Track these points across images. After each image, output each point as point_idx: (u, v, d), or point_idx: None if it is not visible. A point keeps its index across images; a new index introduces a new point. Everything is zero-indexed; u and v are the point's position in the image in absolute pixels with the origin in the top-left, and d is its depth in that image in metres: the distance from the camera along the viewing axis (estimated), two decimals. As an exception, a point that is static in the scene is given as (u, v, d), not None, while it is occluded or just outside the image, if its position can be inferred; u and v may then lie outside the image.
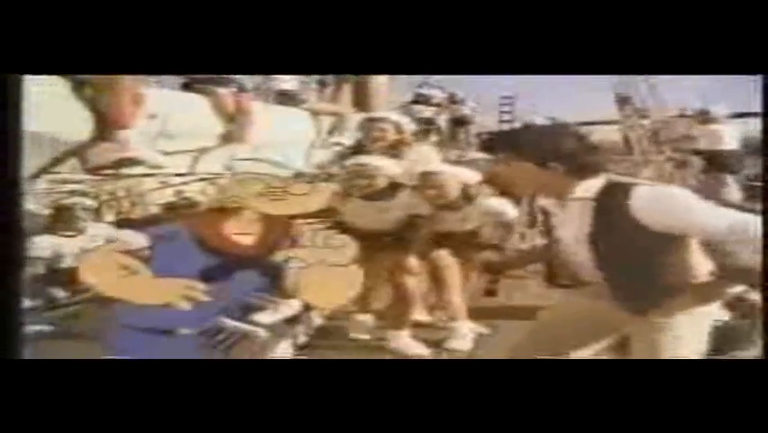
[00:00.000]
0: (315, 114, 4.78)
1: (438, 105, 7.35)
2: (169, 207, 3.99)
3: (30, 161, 2.64)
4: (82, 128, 2.59)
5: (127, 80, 2.56)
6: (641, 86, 8.14)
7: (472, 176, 3.04)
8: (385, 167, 2.97)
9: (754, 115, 7.10)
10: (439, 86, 7.85)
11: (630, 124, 7.99)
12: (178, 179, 3.64)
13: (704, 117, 6.77)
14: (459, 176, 2.97)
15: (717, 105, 6.83)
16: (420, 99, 7.16)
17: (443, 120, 7.38)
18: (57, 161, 2.61)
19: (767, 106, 1.61)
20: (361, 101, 5.73)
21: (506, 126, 10.34)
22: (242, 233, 2.61)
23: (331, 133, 4.92)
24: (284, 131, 4.35)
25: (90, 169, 2.74)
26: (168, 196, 3.98)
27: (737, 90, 7.09)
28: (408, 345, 2.79)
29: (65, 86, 2.52)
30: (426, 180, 2.91)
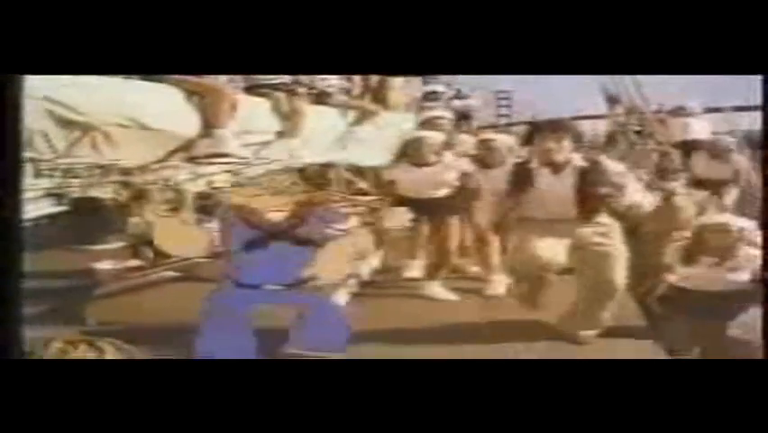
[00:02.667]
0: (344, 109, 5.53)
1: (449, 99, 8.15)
2: (202, 196, 4.86)
3: (149, 153, 3.40)
4: (191, 126, 3.34)
5: (226, 88, 3.28)
6: (630, 85, 8.79)
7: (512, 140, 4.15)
8: (436, 137, 3.93)
9: (747, 109, 7.79)
10: (444, 82, 8.62)
11: (618, 120, 8.70)
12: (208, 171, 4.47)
13: (685, 113, 7.50)
14: (505, 140, 4.06)
15: (698, 101, 7.51)
16: (431, 97, 7.95)
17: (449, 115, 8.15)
18: (171, 153, 3.35)
19: (767, 105, 1.75)
20: (380, 99, 6.52)
21: (503, 120, 11.12)
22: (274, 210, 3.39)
23: (353, 126, 5.68)
24: (320, 125, 5.12)
25: (191, 159, 3.49)
26: (200, 185, 4.83)
27: (725, 87, 7.76)
28: (439, 292, 3.59)
29: (179, 92, 3.25)
30: (484, 144, 4.00)
